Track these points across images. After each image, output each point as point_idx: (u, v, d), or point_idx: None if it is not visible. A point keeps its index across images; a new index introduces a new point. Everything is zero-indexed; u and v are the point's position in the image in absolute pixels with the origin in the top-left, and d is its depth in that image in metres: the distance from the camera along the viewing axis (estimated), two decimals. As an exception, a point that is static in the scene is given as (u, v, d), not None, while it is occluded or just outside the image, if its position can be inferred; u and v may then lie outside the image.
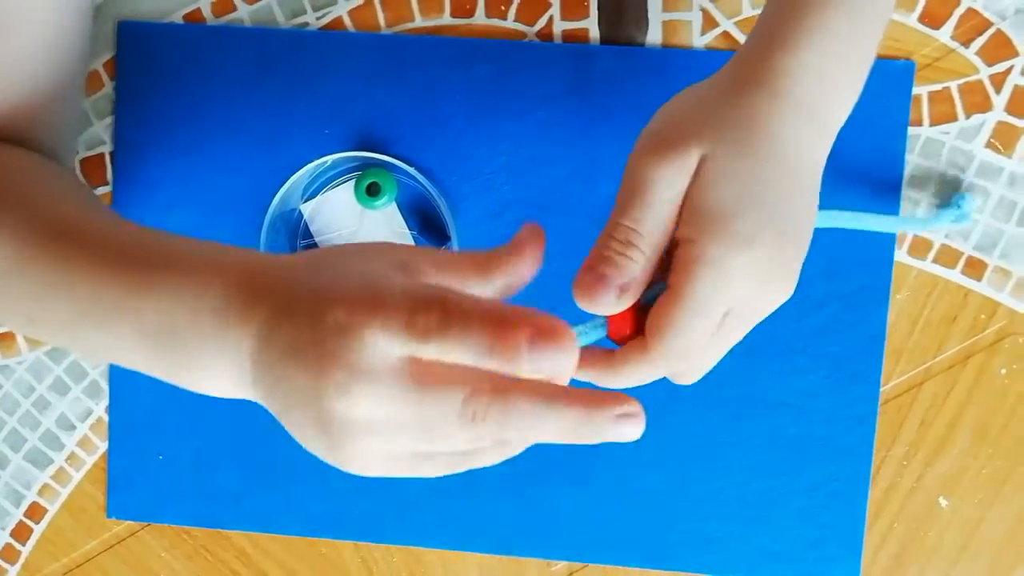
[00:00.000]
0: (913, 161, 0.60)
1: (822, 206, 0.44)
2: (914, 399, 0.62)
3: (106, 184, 0.64)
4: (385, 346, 0.34)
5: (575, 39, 0.61)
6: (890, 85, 0.59)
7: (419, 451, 0.36)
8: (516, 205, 0.62)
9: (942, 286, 0.61)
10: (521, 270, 0.39)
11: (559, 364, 0.35)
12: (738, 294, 0.41)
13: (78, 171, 0.64)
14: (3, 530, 0.67)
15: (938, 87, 0.60)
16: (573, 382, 0.45)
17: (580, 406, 0.35)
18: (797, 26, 0.43)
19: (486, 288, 0.38)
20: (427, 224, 0.62)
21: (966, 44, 0.59)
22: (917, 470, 0.62)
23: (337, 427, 0.35)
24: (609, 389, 0.46)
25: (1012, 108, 0.59)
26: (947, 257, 0.61)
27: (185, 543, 0.67)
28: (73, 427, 0.66)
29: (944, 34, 0.59)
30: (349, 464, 0.36)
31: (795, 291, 0.43)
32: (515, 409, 0.34)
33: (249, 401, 0.39)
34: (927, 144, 0.60)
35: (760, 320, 0.43)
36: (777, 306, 0.43)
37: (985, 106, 0.59)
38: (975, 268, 0.61)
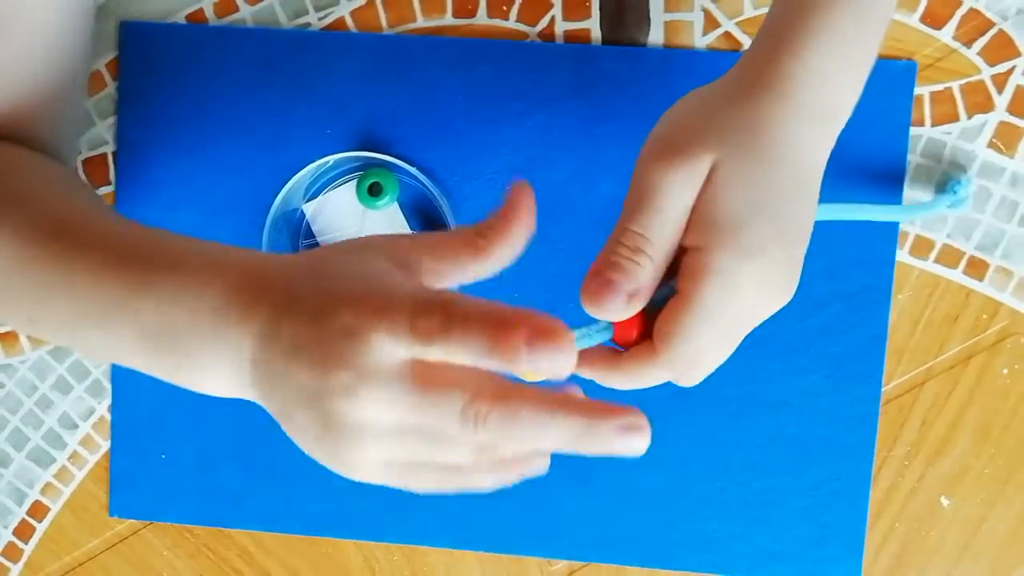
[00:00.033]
0: (915, 161, 0.60)
1: (821, 202, 0.44)
2: (916, 399, 0.62)
3: (109, 184, 0.64)
4: (391, 349, 0.34)
5: (577, 39, 0.61)
6: (892, 85, 0.59)
7: (419, 459, 0.36)
8: (518, 205, 0.62)
9: (944, 286, 0.61)
10: (516, 234, 0.38)
11: (557, 364, 0.34)
12: (747, 302, 0.42)
13: (80, 171, 0.64)
14: (6, 528, 0.68)
15: (940, 87, 0.60)
16: (578, 380, 0.45)
17: (583, 416, 0.35)
18: (804, 27, 0.43)
19: (486, 263, 0.38)
20: (429, 224, 0.62)
21: (968, 44, 0.59)
22: (919, 470, 0.62)
23: (340, 429, 0.35)
24: (607, 391, 0.46)
25: (1014, 108, 0.59)
26: (949, 257, 0.61)
27: (187, 542, 0.67)
28: (76, 426, 0.66)
29: (946, 34, 0.59)
30: (349, 468, 0.36)
31: (797, 291, 0.43)
32: (517, 415, 0.34)
33: (251, 400, 0.39)
34: (929, 144, 0.60)
35: (762, 321, 0.43)
36: (780, 307, 0.43)
37: (987, 106, 0.59)
38: (977, 268, 0.61)
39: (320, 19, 0.62)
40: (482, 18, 0.62)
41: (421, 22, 0.62)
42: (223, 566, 0.67)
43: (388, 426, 0.34)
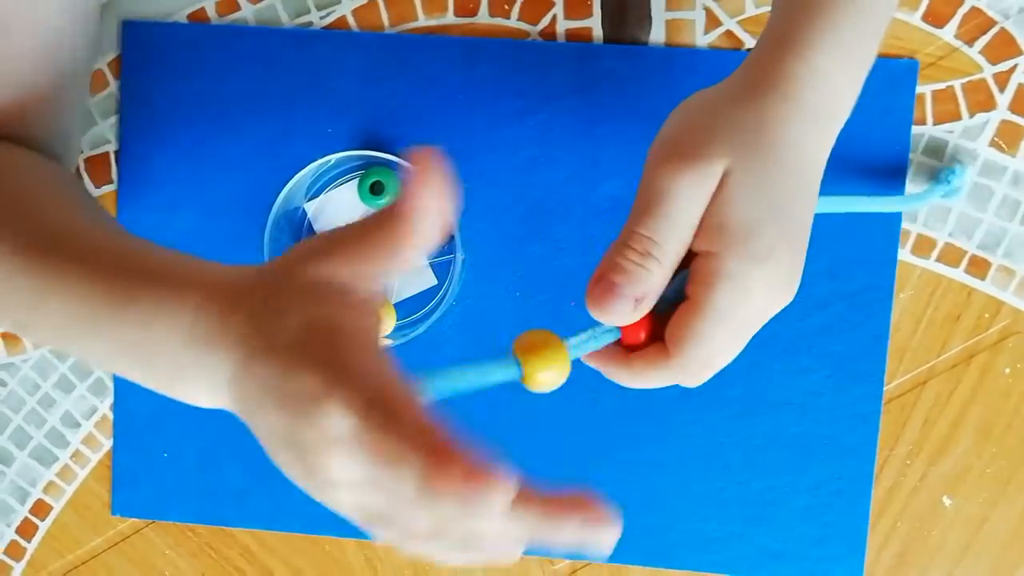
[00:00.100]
0: (917, 160, 0.60)
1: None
2: (917, 398, 0.61)
3: (111, 183, 0.64)
4: (349, 420, 0.33)
5: (578, 38, 0.61)
6: (894, 84, 0.59)
7: (383, 514, 0.35)
8: (519, 203, 0.62)
9: (945, 285, 0.61)
10: (430, 199, 0.35)
11: (485, 514, 0.33)
12: (756, 304, 0.42)
13: (82, 170, 0.64)
14: (9, 527, 0.68)
15: (942, 86, 0.60)
16: (592, 372, 0.45)
17: (542, 509, 0.34)
18: (808, 27, 0.43)
19: (414, 240, 0.35)
20: (430, 223, 0.62)
21: (970, 43, 0.59)
22: (920, 469, 0.62)
23: (315, 475, 0.35)
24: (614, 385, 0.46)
25: (1016, 107, 0.59)
26: (951, 256, 0.61)
27: (190, 540, 0.67)
28: (78, 425, 0.66)
29: (948, 33, 0.59)
30: (329, 506, 0.36)
31: (799, 290, 0.43)
32: (473, 501, 0.32)
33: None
34: (931, 143, 0.60)
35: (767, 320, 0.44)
36: (784, 306, 0.43)
37: (989, 105, 0.59)
38: (979, 267, 0.60)
39: (322, 18, 0.63)
40: (483, 17, 0.62)
41: (422, 21, 0.62)
42: (225, 565, 0.67)
43: (357, 479, 0.34)
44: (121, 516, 0.67)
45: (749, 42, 0.60)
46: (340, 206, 0.63)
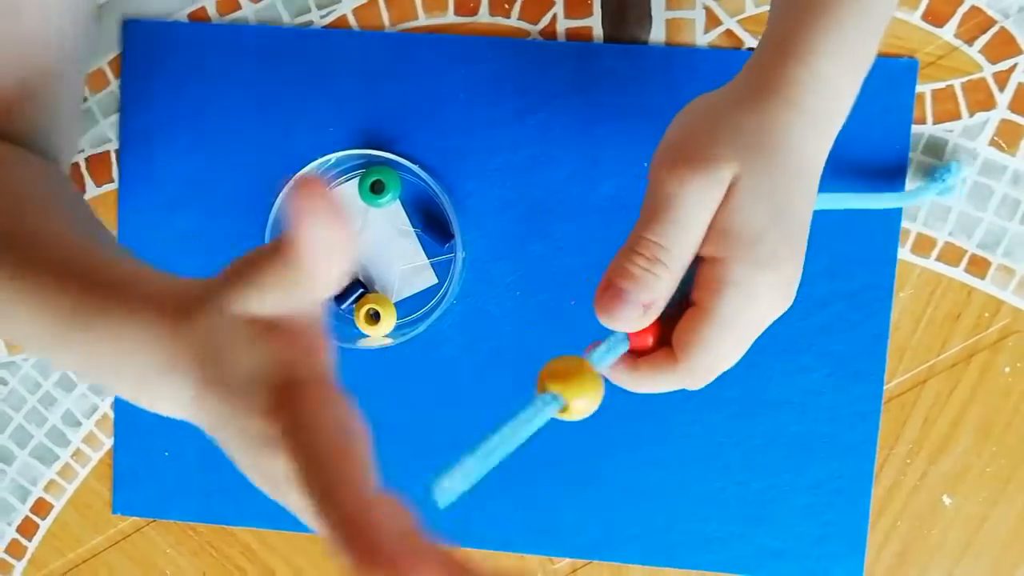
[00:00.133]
0: (916, 159, 0.60)
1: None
2: (917, 397, 0.61)
3: (112, 181, 0.64)
4: (293, 468, 0.33)
5: (578, 37, 0.61)
6: (893, 83, 0.59)
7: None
8: (519, 203, 0.62)
9: (945, 284, 0.61)
10: (318, 238, 0.32)
11: None
12: (761, 309, 0.42)
13: (83, 169, 0.64)
14: (9, 526, 0.68)
15: (941, 85, 0.60)
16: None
17: None
18: (810, 29, 0.43)
19: (311, 263, 0.33)
20: (431, 221, 0.62)
21: (970, 42, 0.59)
22: (920, 468, 0.62)
23: (274, 493, 0.35)
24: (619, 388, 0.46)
25: (1016, 106, 0.59)
26: (950, 255, 0.61)
27: (191, 539, 0.67)
28: (79, 423, 0.67)
29: (947, 32, 0.59)
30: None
31: (799, 290, 0.43)
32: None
33: None
34: (930, 142, 0.60)
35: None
36: (782, 313, 0.43)
37: (989, 104, 0.59)
38: (978, 266, 0.60)
39: (322, 17, 0.63)
40: (484, 16, 0.62)
41: (423, 20, 0.62)
42: (226, 563, 0.67)
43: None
44: (122, 515, 0.67)
45: (749, 41, 0.60)
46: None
